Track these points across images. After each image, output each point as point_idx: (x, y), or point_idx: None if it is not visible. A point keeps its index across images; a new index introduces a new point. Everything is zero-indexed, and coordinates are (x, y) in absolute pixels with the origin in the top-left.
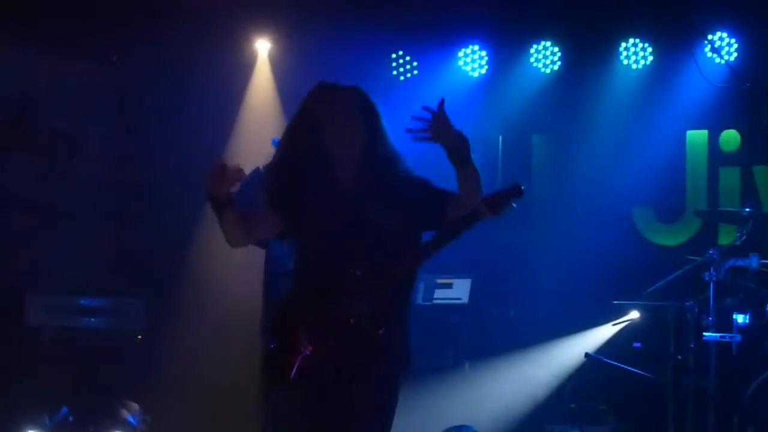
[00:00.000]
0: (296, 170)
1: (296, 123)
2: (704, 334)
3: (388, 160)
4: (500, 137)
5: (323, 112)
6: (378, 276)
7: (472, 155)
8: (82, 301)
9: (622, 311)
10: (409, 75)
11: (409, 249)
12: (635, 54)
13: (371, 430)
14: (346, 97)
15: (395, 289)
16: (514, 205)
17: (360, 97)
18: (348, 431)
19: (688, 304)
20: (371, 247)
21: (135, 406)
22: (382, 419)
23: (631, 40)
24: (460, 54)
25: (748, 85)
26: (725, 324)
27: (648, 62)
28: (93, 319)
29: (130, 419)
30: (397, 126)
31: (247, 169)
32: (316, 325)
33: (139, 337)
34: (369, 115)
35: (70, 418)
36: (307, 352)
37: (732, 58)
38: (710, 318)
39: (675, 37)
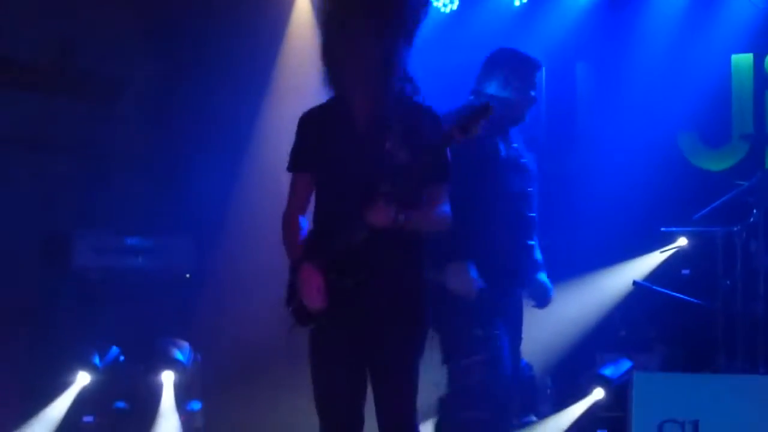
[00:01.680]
0: (316, 118)
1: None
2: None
3: (402, 96)
4: (543, 67)
5: (336, 48)
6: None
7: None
8: (129, 241)
9: (670, 238)
10: (450, 8)
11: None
12: None
13: (402, 358)
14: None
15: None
16: (483, 125)
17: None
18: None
19: (735, 229)
20: (374, 185)
21: (185, 344)
22: (406, 371)
23: None
24: None
25: None
26: None
27: None
28: (140, 259)
29: (181, 358)
30: (439, 60)
31: (291, 108)
32: (334, 259)
33: (188, 275)
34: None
35: (121, 358)
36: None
37: None
38: (758, 243)
39: None
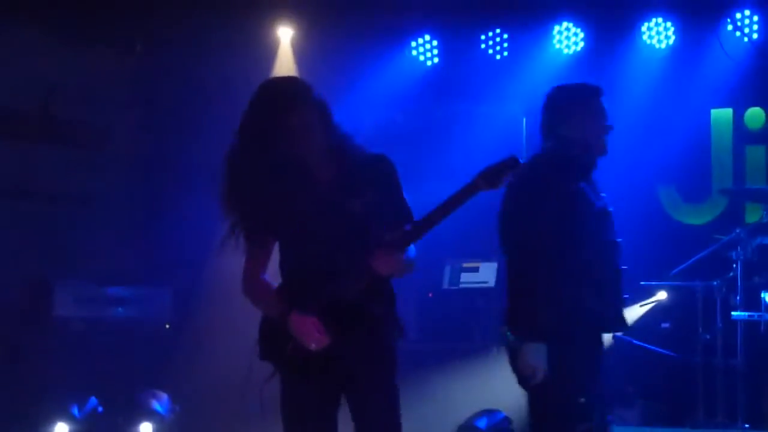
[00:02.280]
0: (264, 182)
1: (248, 136)
2: (732, 313)
3: (351, 144)
4: (524, 119)
5: (275, 117)
6: (362, 261)
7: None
8: (109, 291)
9: (650, 292)
10: (431, 62)
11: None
12: (658, 33)
13: (379, 407)
14: (289, 93)
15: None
16: (510, 178)
17: (306, 89)
18: (358, 411)
19: (715, 283)
20: (353, 235)
21: (164, 395)
22: (387, 397)
23: (654, 19)
24: (483, 36)
25: None
26: (753, 303)
27: (671, 41)
28: (121, 309)
29: (159, 409)
30: (411, 107)
31: None
32: (306, 309)
33: (167, 325)
34: (322, 108)
35: (99, 409)
36: (290, 349)
37: (755, 36)
38: (738, 297)
39: (698, 16)
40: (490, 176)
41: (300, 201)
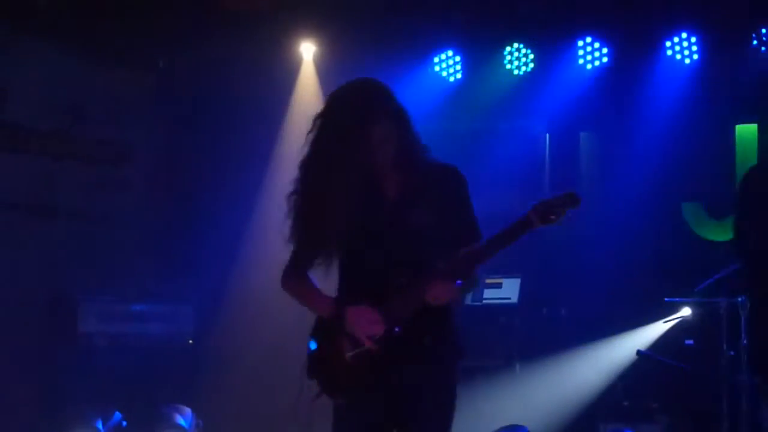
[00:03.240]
0: (338, 191)
1: (322, 142)
2: None
3: (420, 156)
4: (547, 135)
5: (348, 120)
6: (415, 289)
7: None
8: (133, 307)
9: (674, 308)
10: (454, 78)
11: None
12: (682, 48)
13: None
14: (367, 97)
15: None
16: (569, 215)
17: (387, 95)
18: None
19: (740, 299)
20: (415, 253)
21: (187, 410)
22: (441, 427)
23: (679, 36)
24: (506, 52)
25: None
26: None
27: (695, 57)
28: (144, 325)
29: (183, 423)
30: (434, 123)
31: (292, 173)
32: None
33: (191, 341)
34: (401, 117)
35: (123, 423)
36: (350, 356)
37: None
38: None
39: (722, 31)
40: (544, 213)
41: (366, 219)
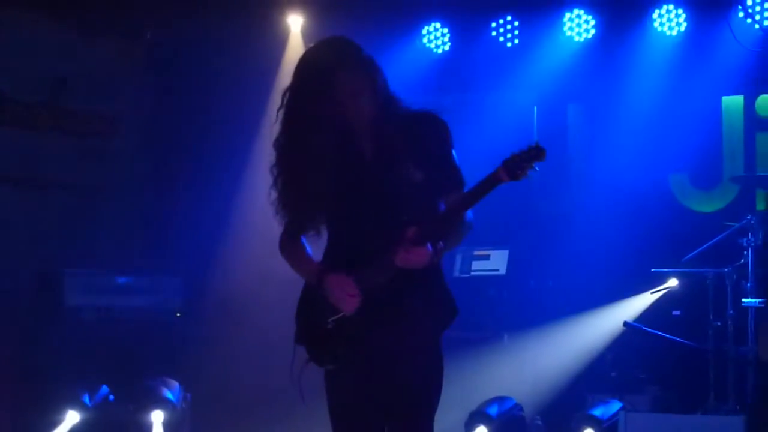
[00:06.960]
0: (314, 154)
1: (292, 109)
2: (743, 300)
3: (396, 109)
4: (535, 108)
5: (315, 73)
6: (389, 253)
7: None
8: (120, 280)
9: (661, 279)
10: (442, 49)
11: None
12: (669, 20)
13: (418, 401)
14: (332, 48)
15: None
16: (536, 169)
17: (355, 47)
18: (396, 404)
19: (726, 270)
20: (396, 214)
21: (175, 383)
22: (428, 390)
23: (665, 6)
24: (494, 24)
25: None
26: (764, 289)
27: (682, 28)
28: (132, 298)
29: (170, 397)
30: (421, 95)
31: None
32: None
33: (178, 314)
34: (372, 68)
35: (111, 397)
36: (330, 323)
37: (767, 23)
38: (749, 284)
39: (709, 2)
40: (512, 168)
41: (344, 181)
